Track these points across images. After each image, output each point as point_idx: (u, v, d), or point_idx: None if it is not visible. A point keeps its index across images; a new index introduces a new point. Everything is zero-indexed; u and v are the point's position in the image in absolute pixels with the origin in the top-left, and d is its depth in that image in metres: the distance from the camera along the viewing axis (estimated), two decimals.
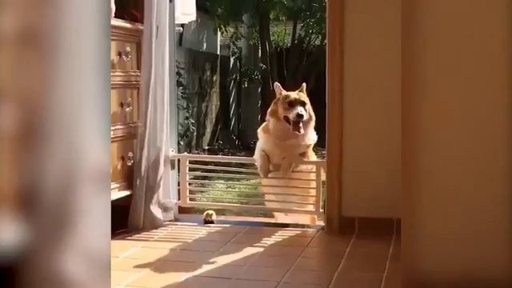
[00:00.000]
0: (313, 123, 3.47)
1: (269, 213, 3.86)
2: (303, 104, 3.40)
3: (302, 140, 3.42)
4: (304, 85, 3.55)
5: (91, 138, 1.62)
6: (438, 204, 2.25)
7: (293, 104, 3.39)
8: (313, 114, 3.47)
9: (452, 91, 2.23)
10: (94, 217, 1.61)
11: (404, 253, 2.27)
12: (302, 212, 3.54)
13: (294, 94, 3.47)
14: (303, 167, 3.48)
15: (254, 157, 3.54)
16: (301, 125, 3.34)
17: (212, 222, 3.49)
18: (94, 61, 1.63)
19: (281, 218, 3.64)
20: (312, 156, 3.54)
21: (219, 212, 4.41)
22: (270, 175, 3.47)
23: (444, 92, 2.22)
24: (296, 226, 3.46)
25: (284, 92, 3.50)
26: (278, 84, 3.60)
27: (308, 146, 3.47)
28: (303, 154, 3.46)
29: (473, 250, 2.24)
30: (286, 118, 3.38)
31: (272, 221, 3.67)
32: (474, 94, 2.22)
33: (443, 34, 2.20)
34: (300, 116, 3.34)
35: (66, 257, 1.54)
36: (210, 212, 3.57)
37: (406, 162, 2.25)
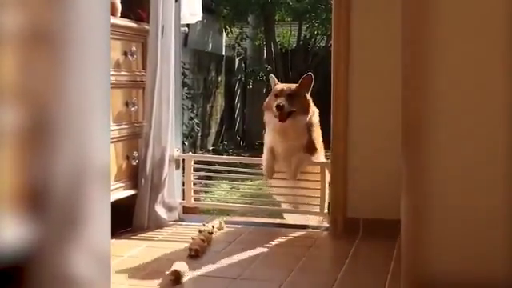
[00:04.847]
0: (311, 111, 3.40)
1: (274, 213, 3.86)
2: (289, 95, 3.35)
3: (297, 128, 3.37)
4: (307, 75, 3.44)
5: (95, 138, 1.63)
6: (438, 206, 2.24)
7: (277, 95, 3.38)
8: (310, 101, 3.41)
9: (454, 94, 2.22)
10: (98, 216, 1.63)
11: (404, 255, 2.27)
12: (305, 213, 3.54)
13: (281, 86, 3.45)
14: (310, 168, 3.47)
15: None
16: (284, 116, 3.30)
17: (197, 256, 2.88)
18: (98, 60, 1.64)
19: (290, 218, 3.64)
20: (319, 144, 3.49)
21: (223, 212, 4.42)
22: (277, 176, 3.47)
23: (446, 93, 2.22)
24: (300, 226, 3.45)
25: (278, 84, 3.49)
26: (273, 76, 3.59)
27: (308, 131, 3.41)
28: (309, 148, 3.42)
29: (474, 253, 2.23)
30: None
31: (277, 221, 3.67)
32: (476, 98, 2.22)
33: (446, 34, 2.20)
34: (279, 107, 3.31)
35: (74, 255, 1.55)
36: (195, 247, 2.92)
37: (406, 165, 2.24)
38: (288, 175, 3.41)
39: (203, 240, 3.01)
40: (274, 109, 3.32)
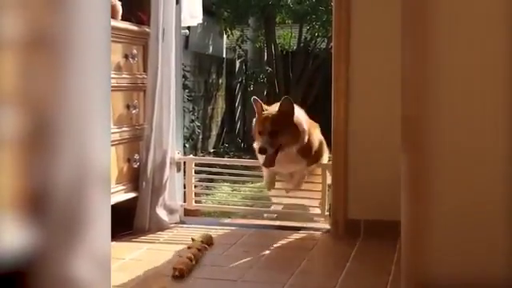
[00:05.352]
0: (302, 135, 3.23)
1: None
2: (272, 133, 3.15)
3: (290, 157, 3.25)
4: (285, 100, 3.23)
5: (96, 141, 1.63)
6: (438, 207, 2.24)
7: (261, 133, 3.20)
8: (299, 124, 3.22)
9: (454, 94, 2.22)
10: (98, 219, 1.63)
11: (404, 256, 2.26)
12: (306, 215, 3.54)
13: (263, 119, 3.21)
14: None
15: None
16: (272, 157, 3.12)
17: (182, 277, 2.64)
18: (98, 63, 1.64)
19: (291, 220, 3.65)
20: (324, 150, 3.47)
21: (225, 214, 4.41)
22: (278, 186, 3.47)
23: (447, 93, 2.22)
24: (301, 228, 3.45)
25: (265, 110, 3.28)
26: (256, 99, 3.33)
27: (305, 155, 3.33)
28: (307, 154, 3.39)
29: (474, 254, 2.23)
30: None
31: (278, 223, 3.66)
32: (477, 98, 2.22)
33: (446, 34, 2.20)
34: (262, 151, 3.15)
35: (74, 259, 1.55)
36: (180, 266, 2.68)
37: (406, 167, 2.24)
38: (291, 186, 3.44)
39: (190, 259, 2.76)
40: (257, 152, 3.19)
